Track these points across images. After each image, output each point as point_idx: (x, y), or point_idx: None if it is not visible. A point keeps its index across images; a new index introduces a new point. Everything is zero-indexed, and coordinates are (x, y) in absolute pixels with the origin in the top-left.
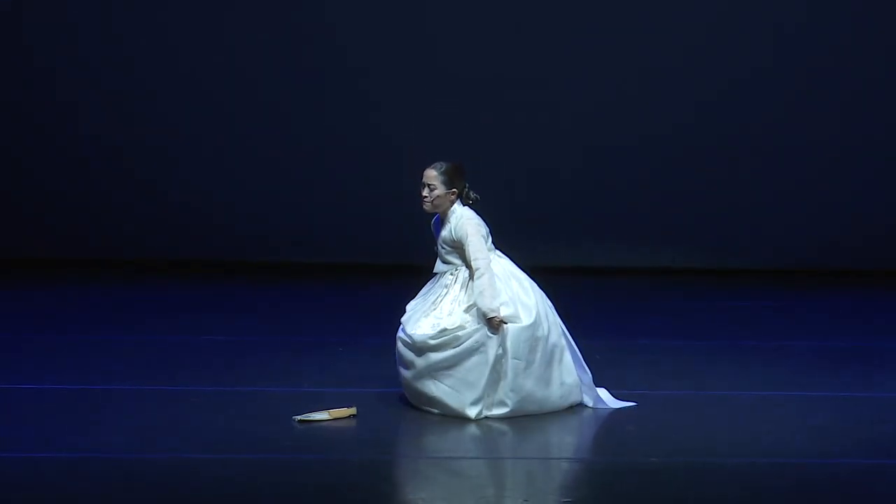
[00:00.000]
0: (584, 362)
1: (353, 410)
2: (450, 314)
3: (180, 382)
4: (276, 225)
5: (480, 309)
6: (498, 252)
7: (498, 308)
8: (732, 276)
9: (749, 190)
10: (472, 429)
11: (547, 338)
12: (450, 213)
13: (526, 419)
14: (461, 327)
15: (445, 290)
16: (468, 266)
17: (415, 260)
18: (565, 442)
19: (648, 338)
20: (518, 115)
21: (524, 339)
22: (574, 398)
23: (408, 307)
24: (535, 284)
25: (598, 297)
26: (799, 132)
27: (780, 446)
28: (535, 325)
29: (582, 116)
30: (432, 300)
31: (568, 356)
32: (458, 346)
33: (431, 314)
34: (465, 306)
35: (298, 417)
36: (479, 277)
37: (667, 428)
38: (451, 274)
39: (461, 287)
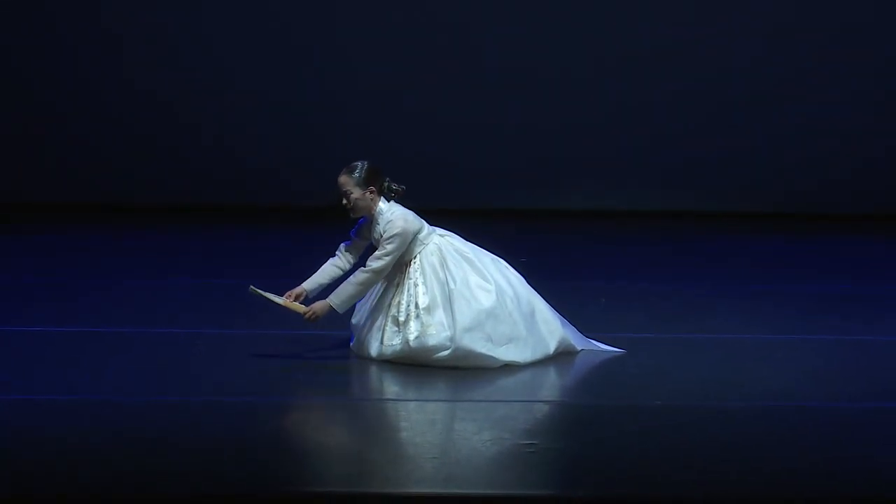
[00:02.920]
0: (561, 317)
1: (304, 311)
2: (407, 318)
3: (183, 325)
4: (283, 167)
5: (336, 293)
6: (440, 230)
7: (333, 305)
8: (732, 219)
9: (751, 132)
10: (461, 372)
11: (516, 304)
12: (377, 214)
13: (521, 367)
14: (430, 344)
15: (396, 289)
16: (400, 258)
17: (427, 203)
18: (565, 385)
19: (650, 281)
20: (525, 61)
21: (485, 320)
22: (560, 339)
23: (357, 312)
24: (489, 258)
25: (600, 240)
26: (807, 77)
27: (784, 390)
28: (495, 307)
29: (589, 61)
30: (388, 301)
31: (544, 310)
32: (433, 355)
33: (390, 317)
34: (423, 305)
35: (254, 288)
36: (365, 272)
37: (669, 370)
38: (402, 272)
39: (415, 283)
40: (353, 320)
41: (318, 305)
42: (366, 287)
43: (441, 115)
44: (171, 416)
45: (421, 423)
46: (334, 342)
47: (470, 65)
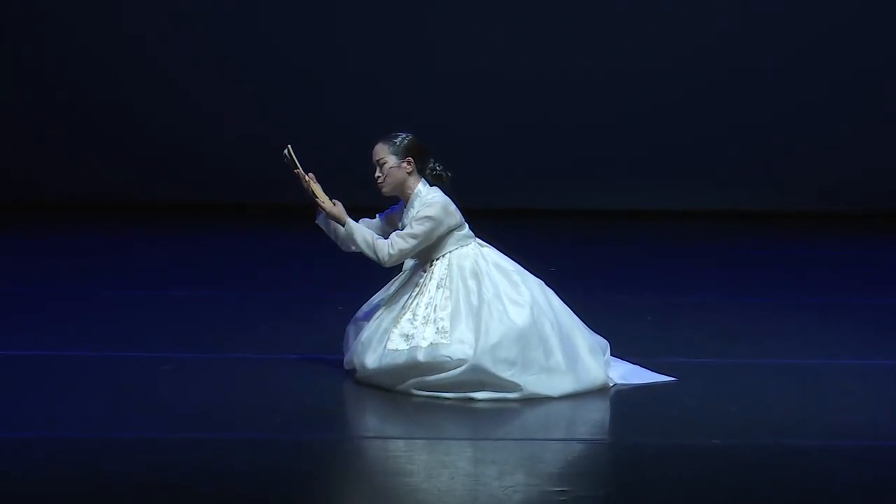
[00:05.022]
0: (600, 343)
1: (323, 199)
2: (424, 321)
3: (150, 347)
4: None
5: (355, 224)
6: (480, 241)
7: (347, 224)
8: (789, 219)
9: (805, 124)
10: (479, 406)
11: (556, 331)
12: (413, 195)
13: (554, 400)
14: (443, 353)
15: (417, 290)
16: (426, 253)
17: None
18: (604, 420)
19: (698, 294)
20: (550, 57)
21: (514, 340)
22: (597, 377)
23: (361, 311)
24: (532, 278)
25: (637, 244)
26: (867, 75)
27: (867, 425)
28: (529, 328)
29: (614, 59)
30: (402, 302)
31: (588, 344)
32: (444, 372)
33: (402, 320)
34: (444, 310)
35: (291, 150)
36: (386, 243)
37: (728, 402)
38: (424, 270)
39: (438, 286)
40: (358, 314)
41: (339, 210)
42: (371, 254)
43: (460, 112)
44: (135, 456)
45: (431, 465)
46: (328, 370)
47: (487, 62)
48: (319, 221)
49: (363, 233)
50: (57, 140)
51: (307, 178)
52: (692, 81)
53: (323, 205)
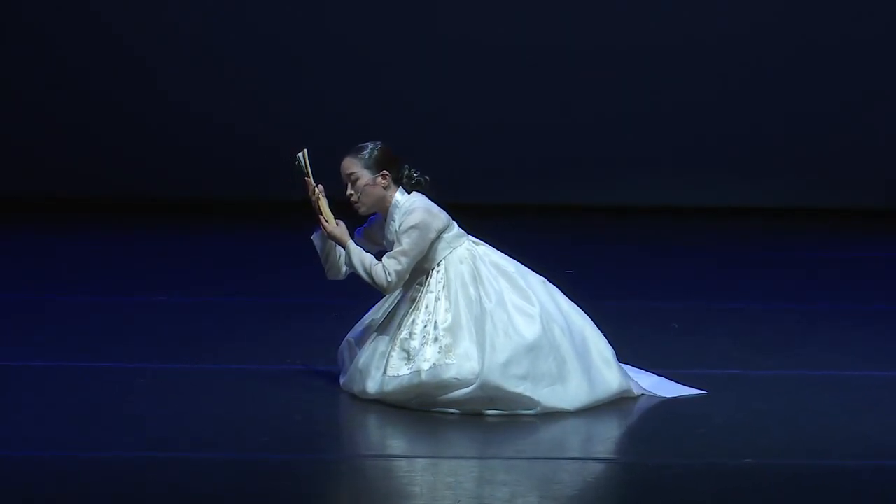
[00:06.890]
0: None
1: (328, 218)
2: (423, 341)
3: (125, 358)
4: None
5: (357, 248)
6: (473, 238)
7: (348, 248)
8: (836, 217)
9: (853, 108)
10: (488, 421)
11: (568, 337)
12: (392, 207)
13: (571, 415)
14: (448, 376)
15: (412, 306)
16: (420, 266)
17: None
18: (626, 438)
19: (733, 299)
20: (570, 51)
21: (524, 353)
22: (611, 385)
23: (353, 332)
24: (535, 278)
25: (659, 244)
26: None
27: None
28: (539, 337)
29: (624, 50)
30: (397, 321)
31: (603, 348)
32: (451, 392)
33: (399, 340)
34: (444, 324)
35: (305, 155)
36: (381, 270)
37: (760, 419)
38: (420, 283)
39: (436, 298)
40: (350, 336)
41: (341, 230)
42: (369, 281)
43: (461, 109)
44: (106, 478)
45: (435, 486)
46: (321, 383)
47: (492, 54)
48: (315, 238)
49: (362, 257)
50: (54, 138)
51: (316, 190)
52: (708, 74)
53: (325, 224)
